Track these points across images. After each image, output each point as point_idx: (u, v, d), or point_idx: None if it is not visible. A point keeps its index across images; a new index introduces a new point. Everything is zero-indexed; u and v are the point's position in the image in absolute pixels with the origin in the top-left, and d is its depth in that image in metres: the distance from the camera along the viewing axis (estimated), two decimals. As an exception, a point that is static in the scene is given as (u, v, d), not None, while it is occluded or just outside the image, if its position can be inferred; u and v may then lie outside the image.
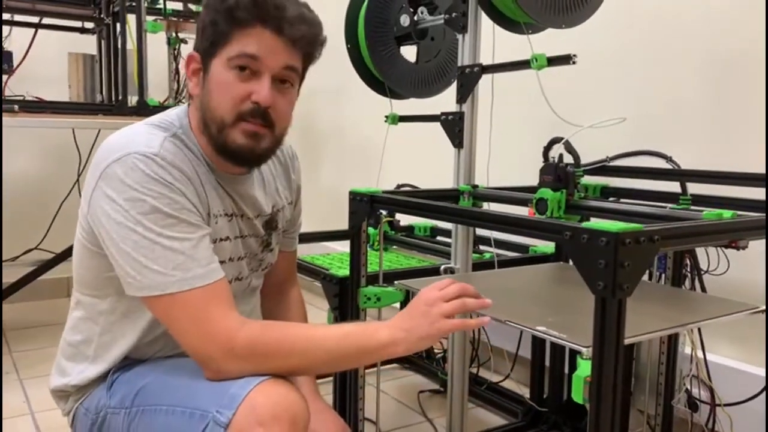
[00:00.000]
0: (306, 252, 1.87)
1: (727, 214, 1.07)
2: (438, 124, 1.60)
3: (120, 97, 2.56)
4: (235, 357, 0.94)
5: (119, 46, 2.58)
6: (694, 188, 1.54)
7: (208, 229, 1.01)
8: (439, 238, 2.11)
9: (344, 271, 1.49)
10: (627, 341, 0.89)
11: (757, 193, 1.41)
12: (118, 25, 2.58)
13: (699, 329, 1.59)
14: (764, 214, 1.16)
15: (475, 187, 1.53)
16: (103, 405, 1.05)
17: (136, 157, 0.96)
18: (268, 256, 1.22)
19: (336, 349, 0.99)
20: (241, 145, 1.02)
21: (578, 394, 0.90)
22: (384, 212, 2.06)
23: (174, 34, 2.91)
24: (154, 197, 0.94)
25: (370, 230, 2.02)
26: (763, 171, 1.47)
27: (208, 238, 1.00)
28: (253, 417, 0.90)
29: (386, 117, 1.84)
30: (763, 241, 1.14)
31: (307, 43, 1.03)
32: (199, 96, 1.05)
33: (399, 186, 2.12)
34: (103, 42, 2.79)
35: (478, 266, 1.64)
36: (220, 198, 1.07)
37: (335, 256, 1.94)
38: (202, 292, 0.95)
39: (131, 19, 2.53)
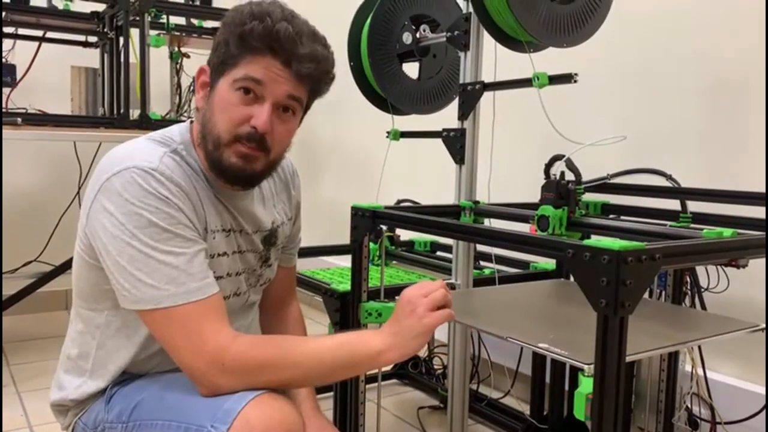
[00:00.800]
0: (306, 267, 1.88)
1: (727, 232, 1.07)
2: (439, 140, 1.61)
3: (122, 111, 2.57)
4: (226, 372, 0.94)
5: (122, 60, 2.60)
6: (694, 206, 1.55)
7: (203, 245, 1.01)
8: (439, 253, 2.11)
9: (345, 286, 1.49)
10: (628, 359, 0.89)
11: (756, 212, 1.42)
12: (121, 40, 2.60)
13: (699, 347, 1.59)
14: (764, 233, 1.17)
15: (476, 203, 1.54)
16: (101, 419, 1.05)
17: (135, 172, 0.96)
18: (266, 272, 1.22)
19: (329, 360, 1.00)
20: (233, 164, 1.03)
21: (580, 411, 0.90)
22: (384, 228, 2.07)
23: (177, 49, 2.94)
24: (150, 212, 0.95)
25: (371, 245, 2.03)
26: (763, 190, 1.48)
27: (204, 254, 1.00)
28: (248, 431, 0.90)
29: (388, 132, 1.85)
30: (763, 259, 1.15)
31: (314, 80, 1.04)
32: (203, 109, 1.06)
33: (399, 201, 2.13)
34: (106, 56, 2.81)
35: (479, 282, 1.64)
36: (219, 213, 1.08)
37: (336, 270, 1.95)
38: (194, 306, 0.95)
39: (134, 33, 2.55)
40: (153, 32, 2.63)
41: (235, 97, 1.01)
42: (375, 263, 2.04)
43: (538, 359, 1.89)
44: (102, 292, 1.05)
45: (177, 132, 1.08)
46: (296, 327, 1.35)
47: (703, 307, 1.57)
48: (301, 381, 1.07)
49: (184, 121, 1.12)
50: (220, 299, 0.99)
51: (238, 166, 1.03)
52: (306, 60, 1.01)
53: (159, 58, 2.83)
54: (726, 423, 1.57)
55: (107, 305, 1.06)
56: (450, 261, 1.67)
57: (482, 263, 1.96)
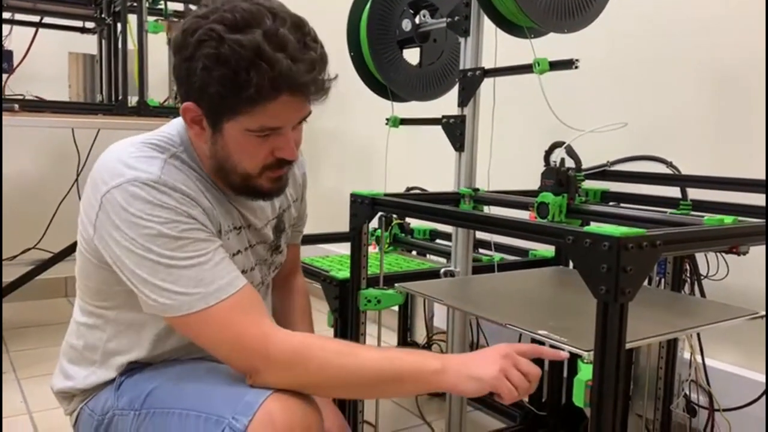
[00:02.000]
0: (306, 254, 1.87)
1: (728, 219, 1.07)
2: (440, 128, 1.60)
3: (120, 97, 2.56)
4: (273, 364, 0.92)
5: (120, 46, 2.58)
6: (694, 193, 1.54)
7: (219, 241, 0.99)
8: (438, 241, 2.11)
9: (344, 274, 1.49)
10: (628, 346, 0.89)
11: (757, 199, 1.41)
12: (119, 26, 2.58)
13: (698, 334, 1.59)
14: (764, 220, 1.17)
15: (476, 190, 1.53)
16: (111, 406, 1.05)
17: (137, 185, 0.94)
18: (278, 258, 1.22)
19: (380, 369, 0.94)
20: (269, 189, 1.04)
21: (579, 398, 0.91)
22: (395, 216, 2.08)
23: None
24: (160, 223, 0.93)
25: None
26: (763, 177, 1.48)
27: (223, 250, 0.98)
28: (270, 425, 0.89)
29: (387, 120, 1.84)
30: (762, 246, 1.14)
31: (321, 92, 0.99)
32: (206, 143, 1.00)
33: (408, 189, 2.12)
34: (103, 42, 2.79)
35: (478, 269, 1.64)
36: (228, 212, 1.07)
37: (335, 258, 1.94)
38: (228, 303, 0.93)
39: (132, 19, 2.54)
40: (151, 18, 2.61)
41: (253, 140, 0.97)
42: (386, 251, 2.05)
43: (537, 347, 1.89)
44: (111, 292, 1.04)
45: (176, 132, 1.05)
46: (301, 298, 1.36)
47: (703, 294, 1.57)
48: (347, 387, 0.98)
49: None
50: (251, 290, 0.98)
51: (274, 190, 1.05)
52: (320, 90, 0.97)
53: (157, 44, 2.81)
54: (724, 410, 1.57)
55: (117, 303, 1.05)
56: (449, 248, 1.67)
57: (482, 251, 1.95)
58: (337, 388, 0.98)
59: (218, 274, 0.94)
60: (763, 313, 1.13)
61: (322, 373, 0.94)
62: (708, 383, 1.60)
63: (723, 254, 1.53)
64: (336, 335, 1.51)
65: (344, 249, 1.43)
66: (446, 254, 1.88)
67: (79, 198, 1.07)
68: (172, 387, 1.01)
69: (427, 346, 2.33)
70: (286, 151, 0.99)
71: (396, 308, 2.30)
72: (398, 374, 0.95)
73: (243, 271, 1.09)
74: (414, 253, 2.11)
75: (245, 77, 0.89)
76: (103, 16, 2.69)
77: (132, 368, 1.07)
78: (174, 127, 1.06)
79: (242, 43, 0.89)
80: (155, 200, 0.94)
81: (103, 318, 1.08)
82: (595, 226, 0.89)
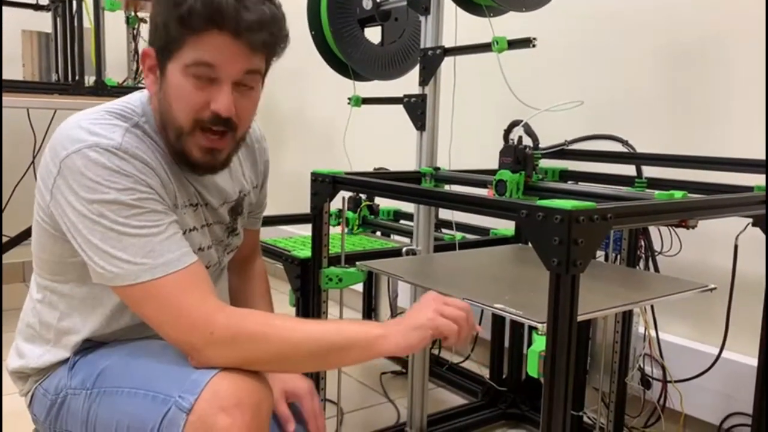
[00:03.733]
0: (269, 236, 1.87)
1: (678, 194, 1.10)
2: (402, 107, 1.60)
3: (77, 77, 2.49)
4: (216, 343, 0.91)
5: (76, 24, 2.51)
6: (650, 171, 1.58)
7: (175, 216, 0.99)
8: (402, 221, 2.12)
9: (306, 253, 1.49)
10: (581, 317, 0.91)
11: (708, 176, 1.46)
12: (75, 3, 2.51)
13: (652, 308, 1.64)
14: (711, 196, 1.20)
15: (437, 169, 1.54)
16: (64, 386, 1.03)
17: (97, 150, 0.93)
18: (234, 240, 1.21)
19: (324, 340, 0.95)
20: (197, 159, 1.00)
21: (533, 368, 0.93)
22: (363, 197, 2.08)
23: (133, 13, 2.84)
24: (118, 190, 0.92)
25: (349, 214, 2.04)
26: (712, 154, 1.52)
27: (177, 225, 0.98)
28: (216, 402, 0.88)
29: (349, 99, 1.84)
30: (713, 221, 1.18)
31: (269, 46, 0.98)
32: (156, 95, 1.00)
33: (377, 169, 2.12)
34: (58, 20, 2.71)
35: (440, 248, 1.66)
36: (185, 187, 1.05)
37: (298, 239, 1.94)
38: (175, 277, 0.92)
39: (88, -4, 2.47)
40: (108, -5, 2.55)
41: (189, 83, 0.95)
42: (354, 232, 2.06)
43: (497, 324, 1.93)
44: (68, 264, 1.02)
45: (138, 103, 1.03)
46: (260, 282, 1.34)
47: (656, 269, 1.61)
48: (292, 359, 0.97)
49: (142, 88, 1.08)
50: (200, 268, 0.97)
51: (203, 161, 1.01)
52: (256, 28, 0.93)
53: (115, 22, 2.75)
54: (676, 381, 1.63)
55: (72, 277, 1.03)
56: (412, 228, 1.68)
57: (444, 230, 1.97)
58: (285, 362, 0.97)
59: (168, 248, 0.94)
60: (713, 286, 1.17)
61: (268, 348, 0.94)
62: (661, 356, 1.65)
63: (675, 229, 1.57)
64: (298, 315, 1.52)
65: (307, 231, 1.43)
66: (409, 234, 1.90)
67: (36, 180, 1.04)
68: (122, 366, 1.00)
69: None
70: (220, 103, 0.95)
71: (360, 289, 2.31)
72: (345, 342, 0.96)
73: (200, 249, 1.08)
74: (378, 233, 2.12)
75: (178, 9, 0.91)
76: (58, -8, 2.62)
77: (86, 347, 1.06)
78: (137, 98, 1.05)
79: None
80: (114, 166, 0.93)
81: (57, 293, 1.06)
82: (548, 201, 0.91)
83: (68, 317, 1.06)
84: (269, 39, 0.96)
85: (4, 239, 2.62)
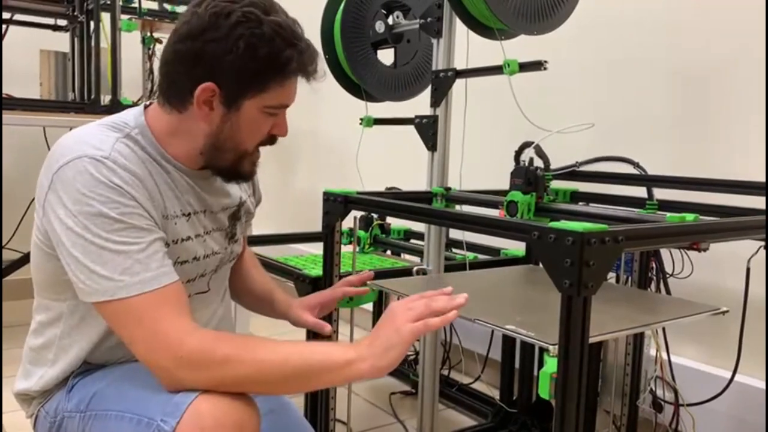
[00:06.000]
0: (280, 254, 1.88)
1: (689, 217, 1.10)
2: (413, 128, 1.62)
3: (93, 96, 2.53)
4: (185, 365, 0.91)
5: (93, 44, 2.56)
6: (661, 193, 1.58)
7: (159, 233, 0.99)
8: (412, 241, 2.13)
9: (317, 271, 1.49)
10: (592, 339, 0.91)
11: (719, 199, 1.46)
12: (92, 23, 2.55)
13: (664, 330, 1.63)
14: (722, 219, 1.20)
15: (448, 189, 1.55)
16: (61, 408, 1.04)
17: (86, 161, 0.94)
18: (234, 248, 1.22)
19: (298, 362, 0.93)
20: (248, 171, 1.10)
21: (545, 390, 0.92)
22: (375, 216, 2.09)
23: (149, 34, 2.90)
24: (102, 202, 0.93)
25: (361, 233, 2.05)
26: (726, 177, 1.52)
27: (160, 243, 0.98)
28: (198, 425, 0.88)
29: (361, 120, 1.86)
30: (724, 244, 1.18)
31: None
32: (210, 125, 1.03)
33: (388, 189, 2.14)
34: (76, 40, 2.76)
35: (450, 268, 1.66)
36: (177, 198, 1.06)
37: (309, 257, 1.95)
38: (150, 297, 0.92)
39: (105, 17, 2.51)
40: (124, 16, 2.59)
41: (263, 117, 1.04)
42: (365, 251, 2.07)
43: (508, 345, 1.92)
44: (62, 282, 1.02)
45: (131, 116, 1.05)
46: (249, 258, 1.38)
47: (668, 291, 1.61)
48: (264, 382, 0.95)
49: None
50: (178, 288, 0.96)
51: (250, 174, 1.12)
52: (320, 75, 1.06)
53: (131, 43, 2.79)
54: (689, 405, 1.61)
55: (68, 295, 1.04)
56: (423, 247, 1.68)
57: (455, 250, 1.98)
58: (256, 385, 0.95)
59: (147, 266, 0.94)
60: (726, 309, 1.16)
61: (240, 371, 0.92)
62: (673, 379, 1.63)
63: (686, 252, 1.57)
64: (308, 334, 1.52)
65: (319, 249, 1.44)
66: (420, 253, 1.90)
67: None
68: (113, 389, 1.01)
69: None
70: (282, 128, 1.08)
71: (370, 308, 2.31)
72: (320, 366, 0.94)
73: (195, 258, 1.09)
74: (389, 252, 2.12)
75: (288, 55, 0.99)
76: (75, 13, 2.66)
77: (84, 370, 1.07)
78: (131, 113, 1.07)
79: (281, 24, 0.99)
80: (102, 177, 0.94)
81: (56, 312, 1.07)
82: (560, 222, 0.91)
83: (68, 336, 1.06)
84: (322, 70, 1.08)
85: (18, 255, 2.64)
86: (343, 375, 0.95)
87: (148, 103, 1.10)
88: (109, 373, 1.05)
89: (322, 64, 1.07)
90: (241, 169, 1.09)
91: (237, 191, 1.20)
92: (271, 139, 1.09)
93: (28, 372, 1.11)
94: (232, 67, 0.98)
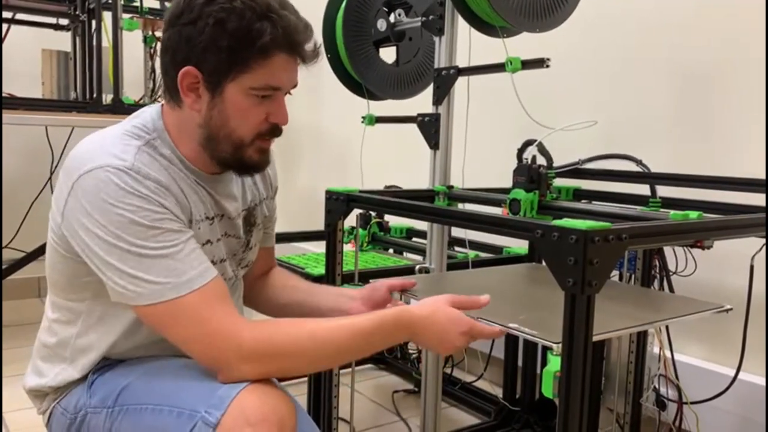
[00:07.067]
0: (282, 252, 1.88)
1: (693, 214, 1.10)
2: (415, 126, 1.61)
3: (95, 95, 2.53)
4: (245, 357, 0.92)
5: (94, 43, 2.56)
6: (664, 191, 1.57)
7: (191, 232, 0.99)
8: (414, 239, 2.13)
9: (320, 270, 1.49)
10: (596, 338, 0.91)
11: (723, 196, 1.45)
12: (94, 23, 2.55)
13: (667, 328, 1.63)
14: (726, 216, 1.20)
15: (450, 187, 1.55)
16: (83, 404, 1.04)
17: (109, 170, 0.93)
18: (249, 255, 1.22)
19: (360, 345, 0.99)
20: (256, 161, 1.05)
21: (548, 388, 0.92)
22: (374, 214, 2.09)
23: (150, 33, 2.89)
24: (131, 211, 0.93)
25: (360, 231, 2.05)
26: (729, 174, 1.51)
27: (194, 241, 0.98)
28: (243, 418, 0.89)
29: (363, 118, 1.85)
30: (728, 242, 1.17)
31: (314, 61, 1.04)
32: (204, 114, 1.01)
33: (387, 187, 2.14)
34: (78, 39, 2.76)
35: (453, 266, 1.66)
36: (201, 201, 1.06)
37: (311, 256, 1.95)
38: (199, 294, 0.93)
39: (107, 16, 2.52)
40: (126, 15, 2.59)
41: (250, 101, 0.99)
42: (364, 249, 2.07)
43: (511, 343, 1.92)
44: (81, 284, 1.02)
45: (149, 119, 1.05)
46: (282, 275, 1.34)
47: (671, 289, 1.60)
48: (322, 365, 1.05)
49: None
50: (221, 281, 0.98)
51: (260, 162, 1.06)
52: (315, 54, 1.01)
53: (132, 42, 2.79)
54: (692, 403, 1.61)
55: (87, 295, 1.04)
56: (425, 246, 1.68)
57: (457, 249, 1.97)
58: (315, 367, 1.06)
59: (190, 265, 0.94)
60: (729, 306, 1.16)
61: (301, 359, 0.96)
62: (677, 377, 1.63)
63: (690, 249, 1.57)
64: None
65: (320, 248, 1.44)
66: (422, 252, 1.90)
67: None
68: (144, 383, 1.00)
69: (404, 344, 2.35)
70: (279, 115, 1.02)
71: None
72: (368, 345, 1.00)
73: (213, 262, 1.08)
74: (391, 251, 2.12)
75: (259, 27, 0.94)
76: (77, 13, 2.67)
77: (103, 366, 1.06)
78: (148, 114, 1.06)
79: (248, 6, 0.94)
80: (128, 187, 0.93)
81: (74, 312, 1.07)
82: (564, 221, 0.91)
83: (85, 335, 1.06)
84: (315, 48, 1.02)
85: (21, 255, 2.64)
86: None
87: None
88: (134, 369, 1.04)
89: (314, 42, 1.00)
90: (246, 160, 1.04)
91: (248, 194, 1.18)
92: (272, 129, 1.03)
93: (40, 369, 1.11)
94: (205, 47, 0.96)
